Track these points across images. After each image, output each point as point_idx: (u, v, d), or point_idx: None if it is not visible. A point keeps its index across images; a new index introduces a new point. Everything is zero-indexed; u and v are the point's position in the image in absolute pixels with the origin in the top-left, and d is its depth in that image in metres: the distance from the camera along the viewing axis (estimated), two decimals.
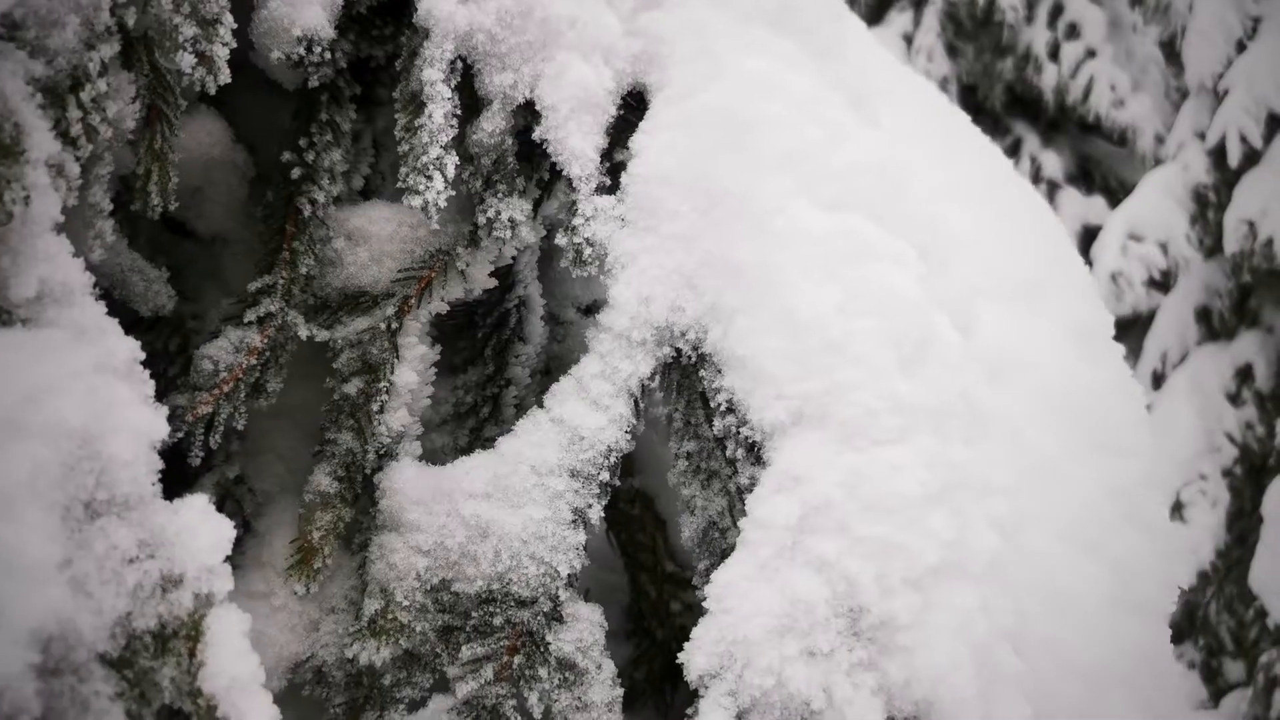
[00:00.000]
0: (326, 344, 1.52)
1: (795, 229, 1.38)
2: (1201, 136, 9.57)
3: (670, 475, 1.47)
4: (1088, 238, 11.47)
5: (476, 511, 1.40)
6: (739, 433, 1.36)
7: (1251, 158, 9.10)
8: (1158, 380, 10.03)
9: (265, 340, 1.41)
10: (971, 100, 12.31)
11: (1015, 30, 11.99)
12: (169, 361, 1.48)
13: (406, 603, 1.39)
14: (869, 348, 1.33)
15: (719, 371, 1.38)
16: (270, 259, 1.45)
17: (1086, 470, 1.86)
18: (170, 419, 1.36)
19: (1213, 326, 9.73)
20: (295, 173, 1.48)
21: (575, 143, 1.45)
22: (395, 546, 1.40)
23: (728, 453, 1.38)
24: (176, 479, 1.45)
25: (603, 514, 1.43)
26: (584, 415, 1.42)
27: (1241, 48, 9.25)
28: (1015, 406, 1.86)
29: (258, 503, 1.54)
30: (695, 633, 1.29)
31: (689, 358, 1.42)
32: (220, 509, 1.51)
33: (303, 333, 1.45)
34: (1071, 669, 1.68)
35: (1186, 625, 9.43)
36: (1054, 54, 11.96)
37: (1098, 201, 11.91)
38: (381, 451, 1.46)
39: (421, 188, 1.39)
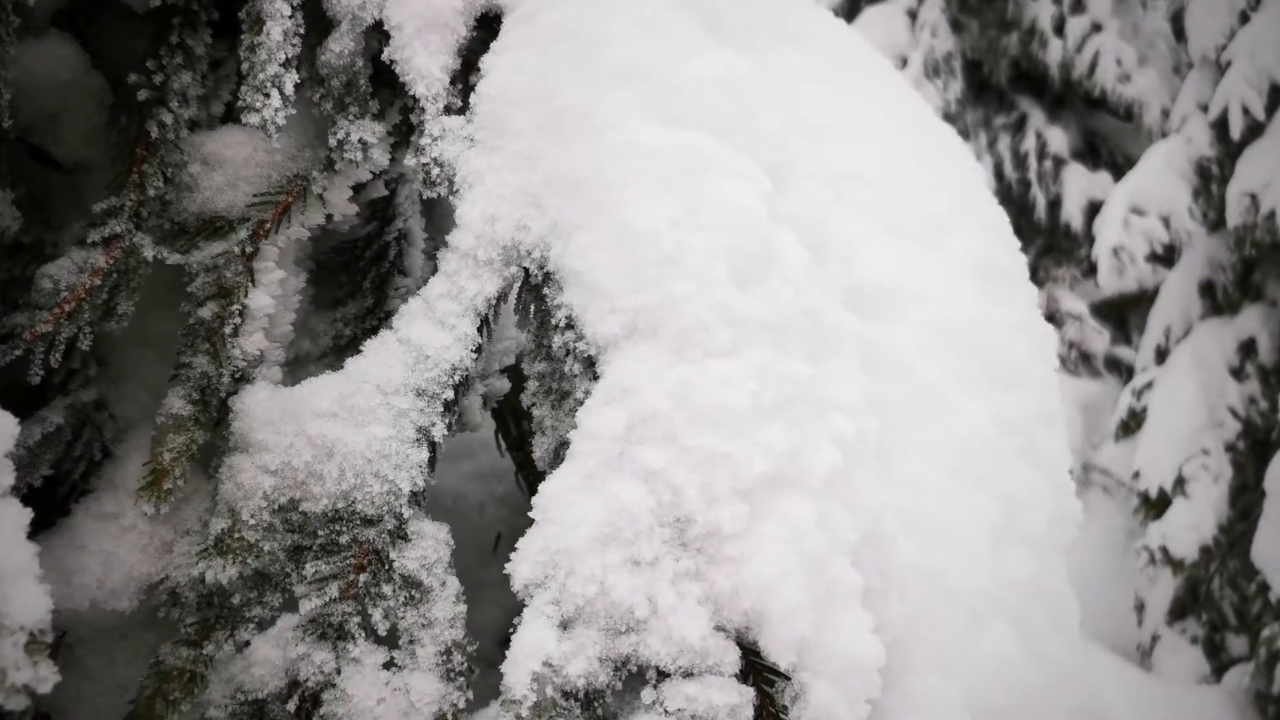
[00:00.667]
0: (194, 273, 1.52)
1: (633, 143, 1.38)
2: (1204, 109, 9.49)
3: (524, 397, 1.47)
4: (1093, 214, 11.40)
5: (323, 431, 1.40)
6: (575, 348, 1.36)
7: (1254, 130, 9.01)
8: (1161, 355, 9.96)
9: (110, 261, 1.42)
10: (977, 76, 12.26)
11: (1020, 4, 11.93)
12: (26, 289, 1.49)
13: (253, 522, 1.40)
14: (703, 261, 1.33)
15: (560, 288, 1.38)
16: (120, 181, 1.46)
17: (977, 404, 1.85)
18: (8, 338, 1.38)
19: (1216, 301, 9.65)
20: (143, 95, 1.48)
21: (421, 62, 1.45)
22: (243, 467, 1.41)
23: (566, 368, 1.38)
24: (28, 400, 1.47)
25: (445, 433, 1.43)
26: (430, 335, 1.42)
27: (1244, 19, 9.15)
28: (904, 338, 1.86)
29: (119, 429, 1.55)
30: (521, 543, 1.29)
31: (536, 277, 1.42)
32: (78, 434, 1.52)
33: (149, 254, 1.46)
34: (949, 596, 1.68)
35: (1189, 600, 9.37)
36: (1059, 28, 11.88)
37: (1104, 177, 11.83)
38: (237, 375, 1.47)
39: (259, 105, 1.39)
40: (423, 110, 1.45)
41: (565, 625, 1.26)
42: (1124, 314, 11.68)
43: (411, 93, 1.46)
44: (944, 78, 12.01)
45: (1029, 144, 12.06)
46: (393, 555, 1.39)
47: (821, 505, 1.34)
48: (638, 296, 1.32)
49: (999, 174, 12.12)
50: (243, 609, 1.41)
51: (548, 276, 1.40)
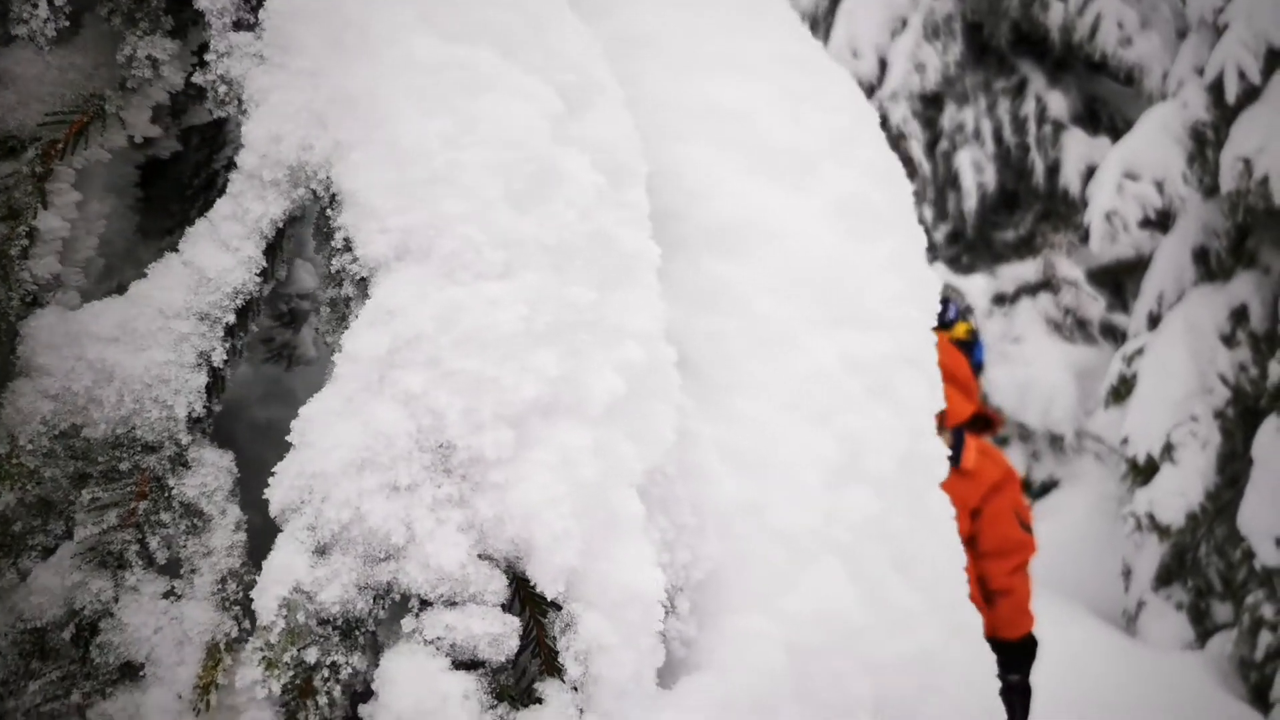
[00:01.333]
0: None
1: (409, 60, 1.33)
2: (1200, 72, 9.36)
3: (317, 323, 1.44)
4: (1092, 179, 11.29)
5: (103, 355, 1.37)
6: (349, 270, 1.32)
7: (1250, 94, 8.89)
8: (1154, 321, 9.88)
9: None
10: (977, 38, 12.12)
11: None
12: None
13: (32, 447, 1.37)
14: (477, 180, 1.29)
15: (340, 209, 1.34)
16: None
17: (824, 342, 1.81)
18: None
19: (1210, 267, 9.56)
20: None
21: None
22: (24, 391, 1.38)
23: (342, 291, 1.35)
24: None
25: (226, 357, 1.40)
26: (213, 257, 1.38)
27: None
28: (751, 275, 1.82)
29: None
30: (278, 468, 1.26)
31: (324, 199, 1.38)
32: None
33: None
34: (775, 533, 1.64)
35: (1175, 567, 9.33)
36: None
37: (1103, 142, 11.68)
38: (28, 299, 1.44)
39: (26, 15, 1.35)
40: (209, 25, 1.41)
41: (321, 551, 1.23)
42: (1121, 280, 11.57)
43: (197, 6, 1.41)
44: (944, 40, 11.88)
45: (1029, 108, 11.92)
46: (172, 482, 1.36)
47: (600, 434, 1.31)
48: (407, 216, 1.28)
49: (998, 138, 12.00)
50: (25, 536, 1.39)
51: (333, 198, 1.36)
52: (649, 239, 1.47)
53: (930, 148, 11.91)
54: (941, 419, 4.14)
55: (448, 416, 1.23)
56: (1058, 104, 11.89)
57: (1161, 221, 10.32)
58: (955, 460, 4.18)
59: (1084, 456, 11.01)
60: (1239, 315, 9.20)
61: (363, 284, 1.31)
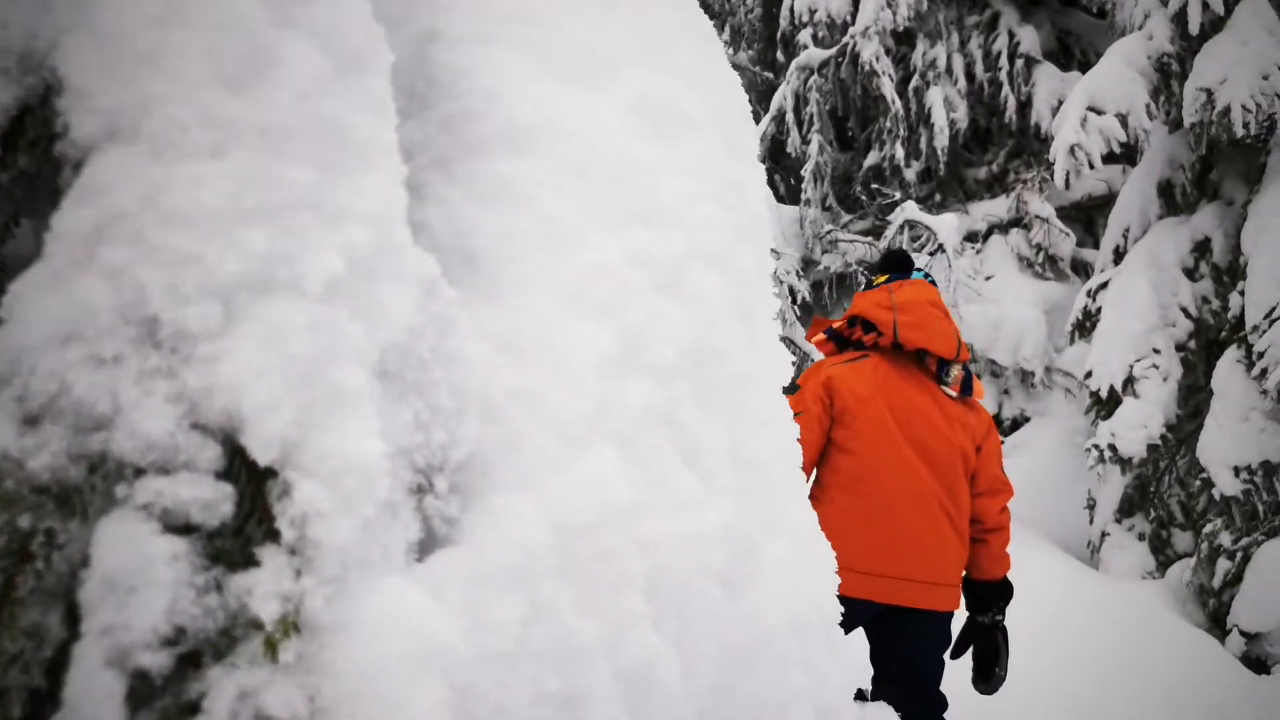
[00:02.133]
0: None
1: None
2: (1165, 2, 9.31)
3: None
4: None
5: None
6: (66, 153, 1.36)
7: (1214, 24, 8.87)
8: (1119, 256, 9.89)
9: None
10: None
11: None
12: None
13: None
14: (183, 61, 1.32)
15: (60, 94, 1.37)
16: None
17: (613, 239, 1.85)
18: None
19: (1174, 201, 9.56)
20: None
21: None
22: None
23: (63, 177, 1.38)
24: None
25: None
26: None
27: None
28: (538, 172, 1.85)
29: None
30: None
31: (53, 86, 1.41)
32: None
33: None
34: (546, 419, 1.69)
35: (1138, 499, 9.40)
36: None
37: (1075, 77, 11.58)
38: None
39: None
40: None
41: (30, 421, 1.27)
42: (1092, 216, 11.56)
43: None
44: None
45: (1000, 43, 11.85)
46: None
47: (320, 311, 1.35)
48: (115, 97, 1.31)
49: (970, 75, 11.94)
50: None
51: (58, 84, 1.39)
52: (389, 127, 1.50)
53: (902, 86, 11.86)
54: (959, 351, 4.21)
55: (150, 290, 1.27)
56: (1030, 39, 11.82)
57: (1128, 156, 10.30)
58: (967, 390, 4.23)
59: (1054, 393, 11.05)
60: (1202, 248, 9.21)
61: (76, 166, 1.35)
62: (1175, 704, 6.44)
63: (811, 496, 4.15)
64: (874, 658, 4.36)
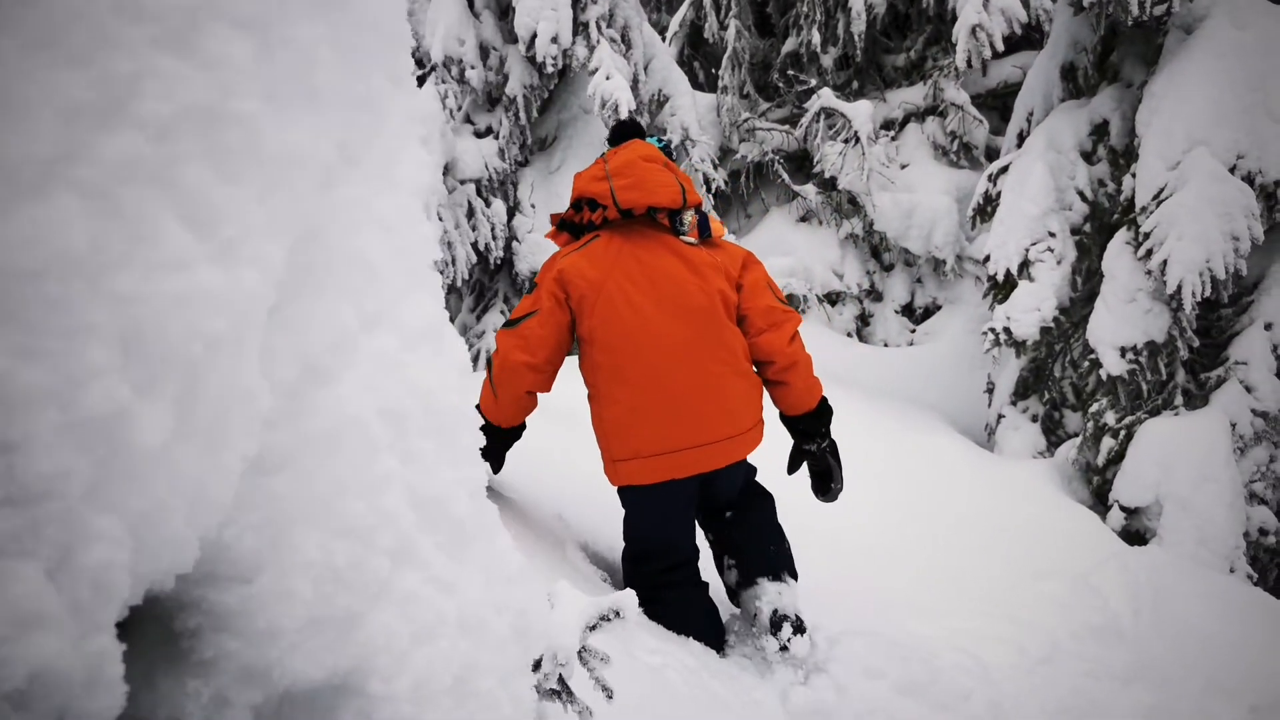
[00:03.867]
0: None
1: None
2: None
3: None
4: None
5: None
6: None
7: None
8: (1023, 140, 9.87)
9: None
10: None
11: None
12: None
13: None
14: None
15: None
16: None
17: None
18: None
19: (1077, 84, 9.53)
20: None
21: None
22: None
23: None
24: None
25: None
26: None
27: None
28: None
29: None
30: None
31: None
32: None
33: None
34: None
35: (1033, 381, 9.50)
36: None
37: None
38: None
39: None
40: None
41: None
42: (1008, 104, 11.49)
43: None
44: None
45: None
46: None
47: None
48: None
49: None
50: None
51: None
52: None
53: None
54: (684, 197, 4.12)
55: None
56: None
57: (1026, 37, 10.24)
58: (705, 232, 4.16)
59: (964, 280, 11.10)
60: (1100, 131, 9.20)
61: None
62: (1045, 572, 6.57)
63: (591, 401, 4.12)
64: (703, 523, 4.40)
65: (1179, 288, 7.84)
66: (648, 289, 4.01)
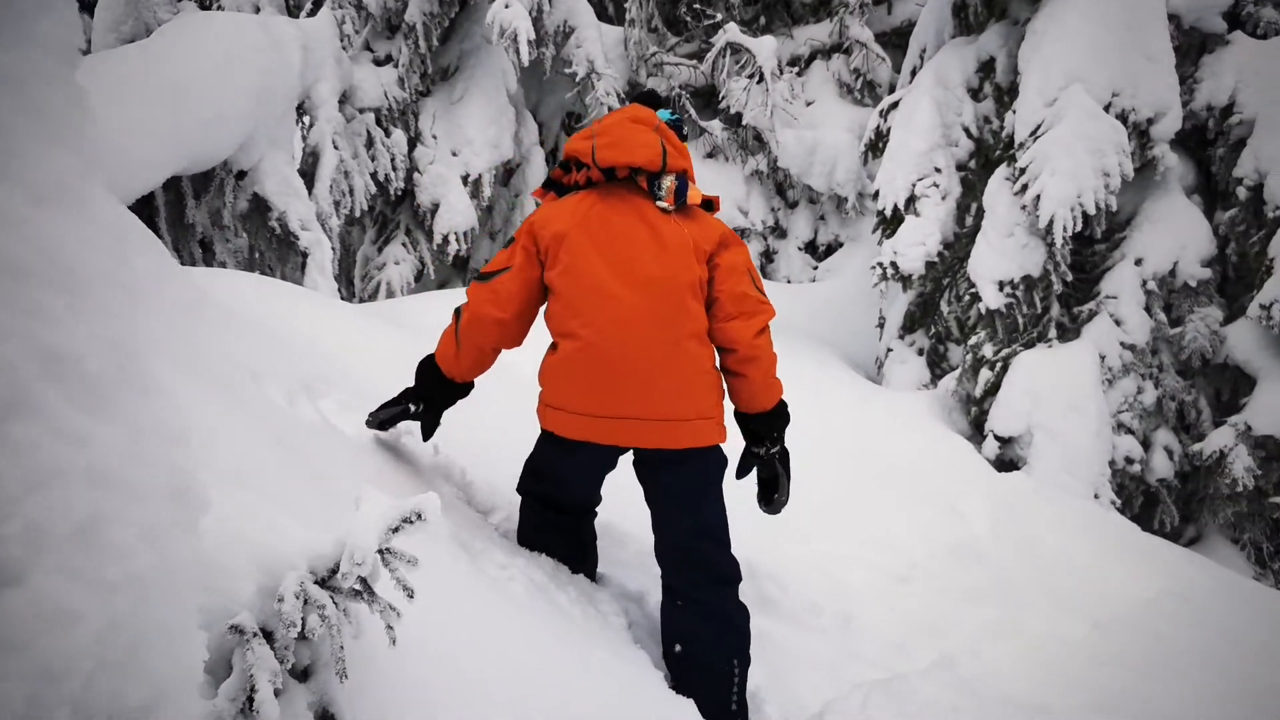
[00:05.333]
0: None
1: None
2: None
3: None
4: None
5: None
6: None
7: None
8: (915, 77, 10.02)
9: None
10: None
11: None
12: None
13: None
14: None
15: None
16: None
17: None
18: None
19: (967, 21, 9.67)
20: None
21: None
22: None
23: None
24: None
25: None
26: None
27: None
28: None
29: None
30: None
31: None
32: None
33: None
34: None
35: (920, 315, 9.72)
36: None
37: None
38: None
39: None
40: None
41: None
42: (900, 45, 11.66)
43: None
44: None
45: None
46: None
47: None
48: None
49: None
50: None
51: None
52: None
53: None
54: (664, 161, 3.94)
55: None
56: None
57: None
58: (682, 199, 3.94)
59: (866, 218, 11.28)
60: (987, 67, 9.37)
61: None
62: (916, 497, 6.75)
63: (550, 350, 4.07)
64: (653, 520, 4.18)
65: (1050, 222, 8.06)
66: (606, 251, 3.89)
